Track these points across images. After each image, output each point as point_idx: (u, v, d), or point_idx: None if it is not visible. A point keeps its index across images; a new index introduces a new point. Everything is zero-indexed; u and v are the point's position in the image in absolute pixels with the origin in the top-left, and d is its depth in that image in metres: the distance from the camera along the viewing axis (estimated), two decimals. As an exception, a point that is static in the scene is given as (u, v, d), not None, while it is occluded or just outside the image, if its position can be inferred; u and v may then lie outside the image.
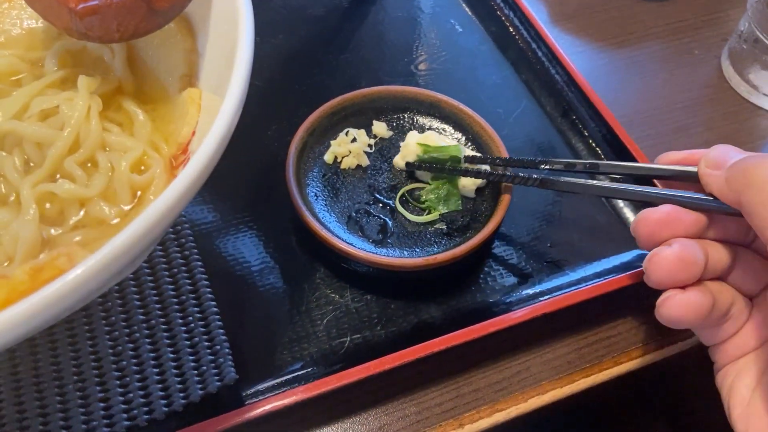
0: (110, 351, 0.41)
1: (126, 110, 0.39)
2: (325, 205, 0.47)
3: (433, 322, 0.44)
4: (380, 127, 0.51)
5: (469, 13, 0.64)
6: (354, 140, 0.50)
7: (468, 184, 0.48)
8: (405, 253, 0.45)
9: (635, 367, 0.44)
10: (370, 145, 0.51)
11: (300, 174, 0.48)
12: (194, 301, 0.43)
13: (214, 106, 0.38)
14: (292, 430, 0.41)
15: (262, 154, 0.52)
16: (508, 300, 0.45)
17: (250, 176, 0.51)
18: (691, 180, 0.39)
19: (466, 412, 0.42)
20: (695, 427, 0.59)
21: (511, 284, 0.46)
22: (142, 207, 0.35)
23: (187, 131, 0.38)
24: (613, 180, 0.50)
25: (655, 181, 0.45)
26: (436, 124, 0.52)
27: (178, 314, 0.42)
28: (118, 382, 0.40)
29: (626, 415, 0.57)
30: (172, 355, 0.41)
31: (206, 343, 0.41)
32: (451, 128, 0.52)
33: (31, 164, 0.36)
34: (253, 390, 0.40)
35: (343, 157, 0.50)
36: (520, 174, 0.46)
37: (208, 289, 0.43)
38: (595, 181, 0.44)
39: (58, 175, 0.35)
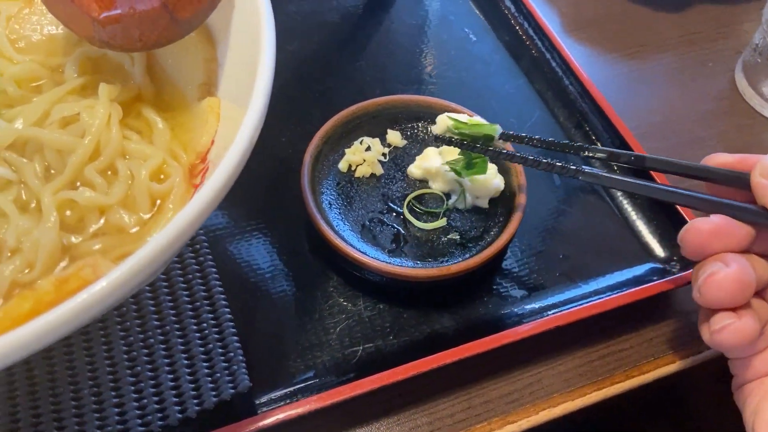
0: (125, 356, 0.41)
1: (145, 118, 0.39)
2: (339, 213, 0.48)
3: (445, 333, 0.44)
4: (395, 136, 0.52)
5: (483, 22, 0.64)
6: (368, 149, 0.51)
7: (481, 193, 0.48)
8: (418, 263, 0.45)
9: (646, 380, 0.44)
10: (384, 154, 0.51)
11: (315, 182, 0.48)
12: (208, 308, 0.43)
13: (233, 116, 0.38)
14: (304, 438, 0.41)
15: (276, 160, 0.52)
16: (519, 311, 0.45)
17: (264, 183, 0.51)
18: (740, 186, 0.37)
19: (478, 423, 0.42)
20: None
21: (523, 295, 0.46)
22: (161, 215, 0.35)
23: (206, 140, 0.38)
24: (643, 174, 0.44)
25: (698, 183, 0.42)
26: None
27: (192, 320, 0.43)
28: (132, 387, 0.40)
29: (637, 428, 0.57)
30: (186, 362, 0.41)
31: (220, 350, 0.42)
32: (465, 138, 0.52)
33: (52, 171, 0.36)
34: (266, 398, 0.41)
35: (357, 166, 0.50)
36: (558, 163, 0.43)
37: (222, 296, 0.43)
38: (639, 180, 0.42)
39: (78, 183, 0.36)
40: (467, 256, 0.45)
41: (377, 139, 0.51)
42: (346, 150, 0.50)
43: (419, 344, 0.43)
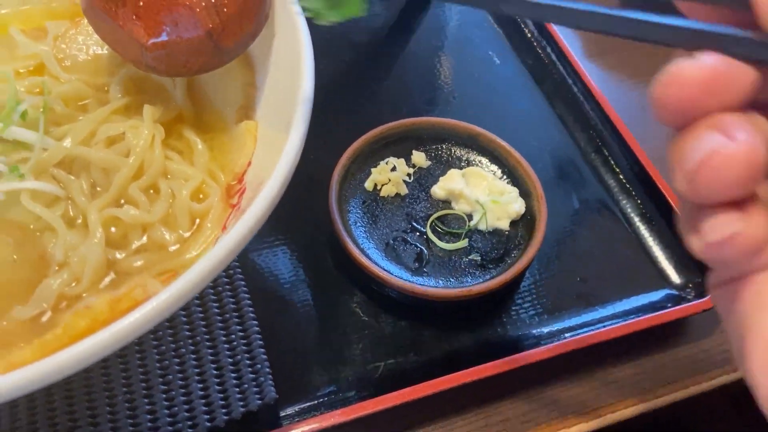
0: (157, 365, 0.43)
1: (186, 139, 0.41)
2: (365, 231, 0.49)
3: (464, 351, 0.45)
4: (419, 157, 0.53)
5: (507, 45, 0.66)
6: (394, 169, 0.52)
7: (502, 215, 0.50)
8: (440, 282, 0.47)
9: (661, 405, 0.45)
10: (409, 174, 0.53)
11: (342, 200, 0.50)
12: (237, 319, 0.45)
13: (270, 139, 0.40)
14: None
15: (304, 176, 0.53)
16: (537, 333, 0.47)
17: (292, 198, 0.52)
18: (734, 4, 0.24)
19: (494, 441, 0.43)
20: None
21: (540, 317, 0.47)
22: (200, 234, 0.37)
23: (244, 162, 0.40)
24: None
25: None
26: (473, 156, 0.53)
27: (221, 332, 0.44)
28: (164, 396, 0.42)
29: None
30: (215, 371, 0.43)
31: (248, 361, 0.43)
32: (487, 161, 0.53)
33: (98, 188, 0.38)
34: (291, 410, 0.42)
35: (382, 185, 0.51)
36: None
37: (251, 308, 0.45)
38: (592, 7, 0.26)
39: (122, 200, 0.38)
40: (487, 277, 0.47)
41: (402, 160, 0.53)
42: (373, 169, 0.52)
43: (439, 362, 0.45)
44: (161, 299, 0.26)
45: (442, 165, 0.53)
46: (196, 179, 0.38)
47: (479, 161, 0.53)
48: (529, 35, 0.65)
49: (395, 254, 0.48)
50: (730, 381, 0.40)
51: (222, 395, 0.42)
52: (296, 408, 0.42)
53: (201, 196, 0.39)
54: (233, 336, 0.44)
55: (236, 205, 0.38)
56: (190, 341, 0.44)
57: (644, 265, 0.51)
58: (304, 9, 0.33)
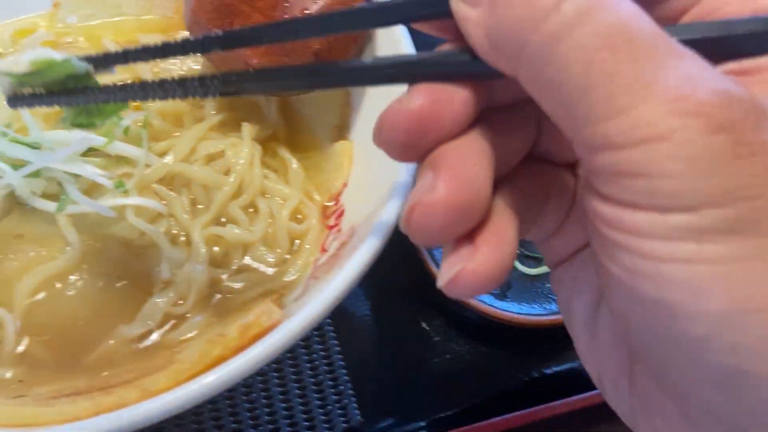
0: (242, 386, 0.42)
1: (280, 157, 0.41)
2: (445, 253, 0.49)
3: (549, 381, 0.44)
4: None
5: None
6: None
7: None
8: (524, 308, 0.46)
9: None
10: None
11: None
12: (318, 338, 0.45)
13: (367, 161, 0.39)
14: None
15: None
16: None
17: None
18: (438, 16, 0.23)
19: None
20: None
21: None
22: (299, 256, 0.37)
23: (340, 183, 0.39)
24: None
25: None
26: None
27: (302, 350, 0.44)
28: (249, 414, 0.41)
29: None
30: (297, 391, 0.43)
31: (330, 382, 0.43)
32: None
33: (199, 206, 0.38)
34: (375, 434, 0.42)
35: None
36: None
37: (331, 328, 0.45)
38: None
39: (223, 218, 0.37)
40: (571, 304, 0.46)
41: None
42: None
43: (521, 391, 0.44)
44: (289, 329, 0.26)
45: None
46: (294, 199, 0.38)
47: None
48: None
49: (476, 278, 0.48)
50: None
51: (306, 416, 0.42)
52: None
53: (299, 216, 0.38)
54: (315, 356, 0.44)
55: (333, 226, 0.38)
56: (274, 366, 0.43)
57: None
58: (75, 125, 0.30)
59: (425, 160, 0.23)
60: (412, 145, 0.23)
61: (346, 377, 0.43)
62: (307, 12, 0.37)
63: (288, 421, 0.41)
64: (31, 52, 0.25)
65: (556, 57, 0.19)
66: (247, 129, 0.39)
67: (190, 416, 0.41)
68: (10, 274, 0.34)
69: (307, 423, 0.41)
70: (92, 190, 0.36)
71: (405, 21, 0.26)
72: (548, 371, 0.45)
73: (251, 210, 0.38)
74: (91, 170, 0.35)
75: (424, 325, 0.47)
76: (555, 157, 0.26)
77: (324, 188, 0.40)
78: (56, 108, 0.35)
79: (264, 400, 0.42)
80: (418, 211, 0.22)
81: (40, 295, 0.34)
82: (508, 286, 0.47)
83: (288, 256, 0.37)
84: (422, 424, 0.42)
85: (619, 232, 0.19)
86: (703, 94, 0.18)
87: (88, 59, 0.26)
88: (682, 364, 0.19)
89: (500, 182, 0.24)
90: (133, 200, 0.36)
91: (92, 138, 0.36)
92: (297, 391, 0.43)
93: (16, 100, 0.27)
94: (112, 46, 0.45)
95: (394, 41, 0.38)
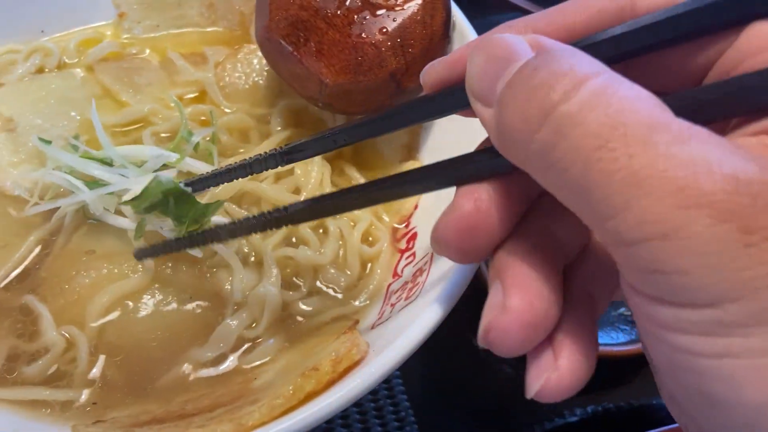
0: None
1: (348, 176, 0.40)
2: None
3: (614, 413, 0.43)
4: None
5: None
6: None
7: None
8: (588, 336, 0.45)
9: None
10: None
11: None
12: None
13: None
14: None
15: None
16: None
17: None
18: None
19: None
20: None
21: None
22: (370, 280, 0.36)
23: (410, 205, 0.38)
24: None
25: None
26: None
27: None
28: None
29: None
30: (358, 416, 0.42)
31: (391, 408, 0.42)
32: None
33: (268, 226, 0.37)
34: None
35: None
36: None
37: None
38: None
39: (293, 239, 0.37)
40: (634, 336, 0.45)
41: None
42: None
43: (587, 423, 0.43)
44: (379, 365, 0.25)
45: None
46: (364, 221, 0.37)
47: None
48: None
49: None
50: None
51: (366, 441, 0.41)
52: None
53: (370, 238, 0.37)
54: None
55: (405, 249, 0.37)
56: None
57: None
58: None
59: (491, 269, 0.23)
60: (468, 249, 0.23)
61: (407, 403, 0.42)
62: (385, 31, 0.36)
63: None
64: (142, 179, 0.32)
65: (554, 161, 0.19)
66: (317, 147, 0.38)
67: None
68: (82, 291, 0.33)
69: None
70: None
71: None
72: (614, 401, 0.44)
73: (321, 231, 0.37)
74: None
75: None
76: None
77: (393, 210, 0.39)
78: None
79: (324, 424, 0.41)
80: (493, 334, 0.22)
81: (112, 315, 0.33)
82: (572, 311, 0.46)
83: (357, 280, 0.36)
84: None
85: (652, 325, 0.19)
86: (707, 182, 0.17)
87: (186, 183, 0.32)
88: None
89: (571, 267, 0.24)
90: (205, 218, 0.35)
91: (165, 154, 0.36)
92: (357, 416, 0.42)
93: (141, 253, 0.31)
94: (176, 57, 0.44)
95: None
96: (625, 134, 0.18)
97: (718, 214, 0.17)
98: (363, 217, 0.38)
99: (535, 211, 0.24)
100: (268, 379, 0.30)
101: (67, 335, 0.32)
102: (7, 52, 0.44)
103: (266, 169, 0.29)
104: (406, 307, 0.31)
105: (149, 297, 0.33)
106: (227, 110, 0.42)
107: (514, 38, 0.21)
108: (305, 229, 0.36)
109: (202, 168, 0.37)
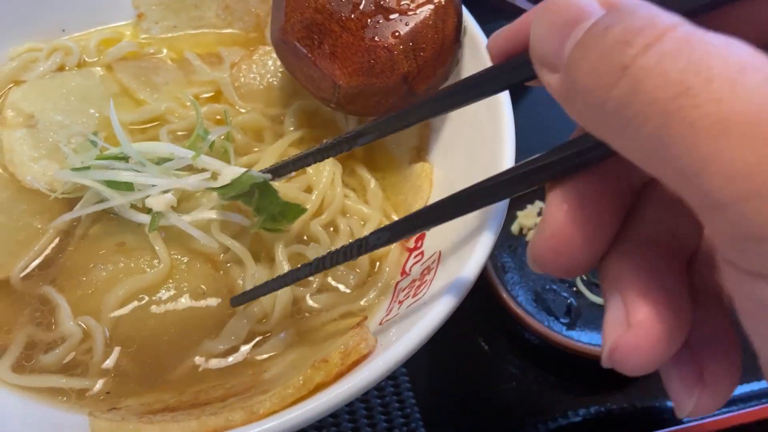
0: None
1: (359, 176, 0.41)
2: (512, 277, 0.48)
3: (618, 415, 0.44)
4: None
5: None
6: (540, 213, 0.51)
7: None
8: (594, 338, 0.45)
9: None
10: (555, 220, 0.51)
11: (489, 243, 0.49)
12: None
13: (447, 184, 0.39)
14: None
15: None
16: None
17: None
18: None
19: None
20: None
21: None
22: (379, 278, 0.36)
23: (420, 205, 0.39)
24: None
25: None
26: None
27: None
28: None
29: None
30: (364, 411, 0.42)
31: (396, 405, 0.43)
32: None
33: (281, 223, 0.38)
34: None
35: (529, 230, 0.50)
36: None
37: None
38: None
39: (305, 236, 0.37)
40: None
41: (549, 205, 0.52)
42: (518, 212, 0.51)
43: (591, 424, 0.43)
44: (386, 359, 0.26)
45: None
46: (374, 220, 0.38)
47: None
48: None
49: (545, 305, 0.47)
50: None
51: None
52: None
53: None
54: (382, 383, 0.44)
55: (414, 248, 0.37)
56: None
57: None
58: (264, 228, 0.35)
59: (604, 279, 0.21)
60: (570, 266, 0.21)
61: (413, 399, 0.42)
62: (398, 35, 0.37)
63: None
64: (230, 170, 0.34)
65: (631, 117, 0.17)
66: (329, 158, 0.39)
67: None
68: (99, 284, 0.34)
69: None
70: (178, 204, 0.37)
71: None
72: (617, 402, 0.44)
73: (331, 229, 0.38)
74: (192, 181, 0.35)
75: (491, 352, 0.46)
76: None
77: (402, 209, 0.40)
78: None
79: (330, 419, 0.42)
80: (619, 354, 0.20)
81: (128, 308, 0.34)
82: (578, 314, 0.47)
83: (366, 278, 0.37)
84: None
85: (754, 306, 0.16)
86: None
87: (267, 171, 0.34)
88: None
89: (695, 258, 0.21)
90: (219, 214, 0.36)
91: (180, 151, 0.37)
92: (363, 411, 0.42)
93: (236, 300, 0.33)
94: (193, 57, 0.45)
95: (479, 64, 0.38)
96: (710, 78, 0.15)
97: None
98: (372, 215, 0.38)
99: (643, 203, 0.21)
100: (278, 371, 0.31)
101: (83, 326, 0.33)
102: (29, 51, 0.45)
103: (340, 153, 0.32)
104: (413, 304, 0.31)
105: (164, 291, 0.34)
106: (242, 110, 0.43)
107: None
108: (316, 227, 0.37)
109: (216, 165, 0.38)
